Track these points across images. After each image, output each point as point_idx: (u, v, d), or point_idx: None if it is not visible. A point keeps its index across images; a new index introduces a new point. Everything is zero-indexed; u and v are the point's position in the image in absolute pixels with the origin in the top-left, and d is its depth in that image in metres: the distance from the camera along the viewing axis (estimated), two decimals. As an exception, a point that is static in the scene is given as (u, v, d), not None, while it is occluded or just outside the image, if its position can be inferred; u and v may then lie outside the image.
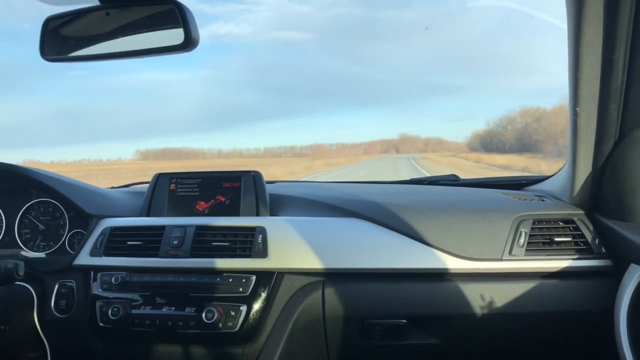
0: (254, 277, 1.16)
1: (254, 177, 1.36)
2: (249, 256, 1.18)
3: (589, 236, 1.14)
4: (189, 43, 0.94)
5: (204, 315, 1.13)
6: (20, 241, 1.38)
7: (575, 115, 1.08)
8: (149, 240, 1.24)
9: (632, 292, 0.99)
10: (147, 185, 1.42)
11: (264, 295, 1.16)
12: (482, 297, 1.13)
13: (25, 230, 1.39)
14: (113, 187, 1.64)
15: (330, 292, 1.17)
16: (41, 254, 1.36)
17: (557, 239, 1.14)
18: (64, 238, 1.36)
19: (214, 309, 1.13)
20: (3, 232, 1.40)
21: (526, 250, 1.14)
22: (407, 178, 1.65)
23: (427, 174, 2.28)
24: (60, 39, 1.02)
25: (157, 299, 1.18)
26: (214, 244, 1.21)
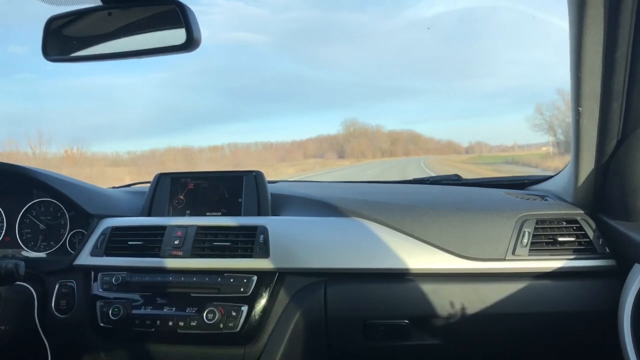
0: (255, 277, 1.16)
1: (256, 177, 1.36)
2: (250, 256, 1.17)
3: (592, 236, 1.14)
4: (191, 43, 0.94)
5: (205, 315, 1.12)
6: (21, 241, 1.38)
7: (577, 114, 1.07)
8: (150, 240, 1.23)
9: (636, 292, 0.98)
10: (149, 185, 1.42)
11: (265, 295, 1.16)
12: (485, 298, 1.12)
13: (26, 230, 1.39)
14: (114, 187, 1.64)
15: (332, 292, 1.16)
16: (42, 254, 1.36)
17: (560, 239, 1.13)
18: (64, 238, 1.36)
19: (215, 309, 1.13)
20: (4, 231, 1.39)
21: (529, 250, 1.13)
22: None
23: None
24: (63, 39, 1.02)
25: (157, 299, 1.17)
26: (215, 244, 1.21)
